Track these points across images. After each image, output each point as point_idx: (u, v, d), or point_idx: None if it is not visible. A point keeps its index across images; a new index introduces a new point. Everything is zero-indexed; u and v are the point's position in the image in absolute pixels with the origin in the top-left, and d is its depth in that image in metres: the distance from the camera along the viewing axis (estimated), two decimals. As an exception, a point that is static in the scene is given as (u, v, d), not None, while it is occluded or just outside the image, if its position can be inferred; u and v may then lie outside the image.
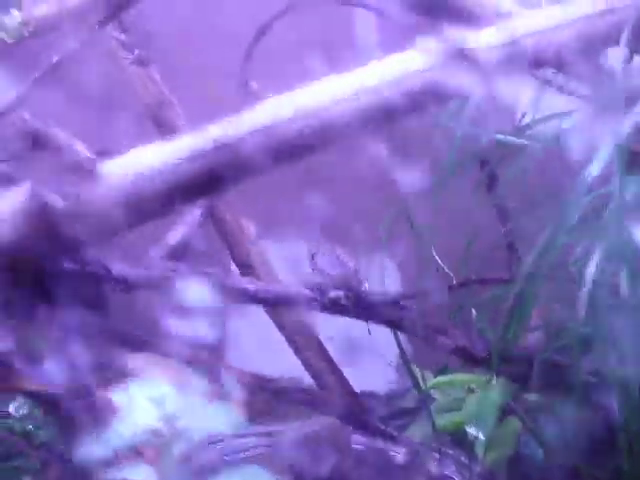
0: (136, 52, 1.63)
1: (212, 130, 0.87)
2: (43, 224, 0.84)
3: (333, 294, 1.21)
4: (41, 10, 1.52)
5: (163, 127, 1.72)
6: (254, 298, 1.19)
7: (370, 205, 1.64)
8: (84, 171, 0.88)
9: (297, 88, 0.93)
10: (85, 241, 0.86)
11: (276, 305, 1.29)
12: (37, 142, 1.19)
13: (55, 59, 1.52)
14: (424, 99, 0.90)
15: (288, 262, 1.60)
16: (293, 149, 0.89)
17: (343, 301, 1.21)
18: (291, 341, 1.61)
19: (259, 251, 1.73)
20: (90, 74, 1.74)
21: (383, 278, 1.33)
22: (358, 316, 1.25)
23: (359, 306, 1.22)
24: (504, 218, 1.37)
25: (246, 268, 1.69)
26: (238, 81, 1.52)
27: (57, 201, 0.83)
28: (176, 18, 1.82)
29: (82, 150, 0.92)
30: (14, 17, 1.47)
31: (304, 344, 1.61)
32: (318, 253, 1.23)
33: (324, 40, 1.85)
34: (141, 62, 1.64)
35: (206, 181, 0.88)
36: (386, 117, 0.91)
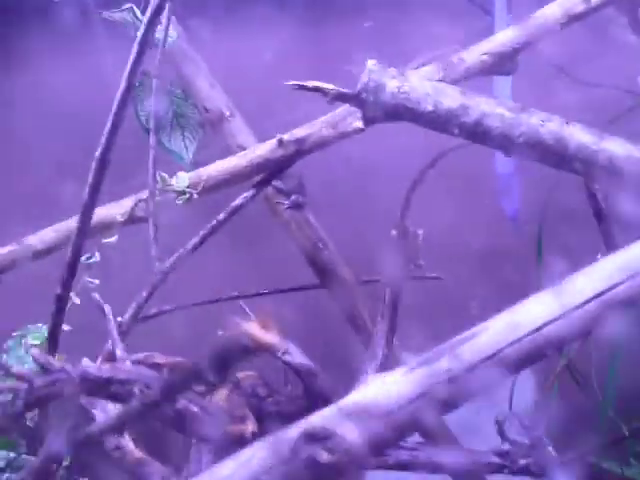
0: (292, 197, 1.67)
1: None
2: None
3: (524, 461, 1.23)
4: (206, 171, 1.57)
5: (318, 266, 1.77)
6: (446, 469, 1.21)
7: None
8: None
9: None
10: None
11: (466, 475, 1.30)
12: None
13: (222, 216, 1.57)
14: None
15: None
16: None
17: (533, 468, 1.23)
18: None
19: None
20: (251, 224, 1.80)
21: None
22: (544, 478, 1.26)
23: (546, 470, 1.24)
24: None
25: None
26: (397, 227, 1.55)
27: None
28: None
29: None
30: (182, 180, 1.52)
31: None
32: (505, 421, 1.25)
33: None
34: (297, 206, 1.69)
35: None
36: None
